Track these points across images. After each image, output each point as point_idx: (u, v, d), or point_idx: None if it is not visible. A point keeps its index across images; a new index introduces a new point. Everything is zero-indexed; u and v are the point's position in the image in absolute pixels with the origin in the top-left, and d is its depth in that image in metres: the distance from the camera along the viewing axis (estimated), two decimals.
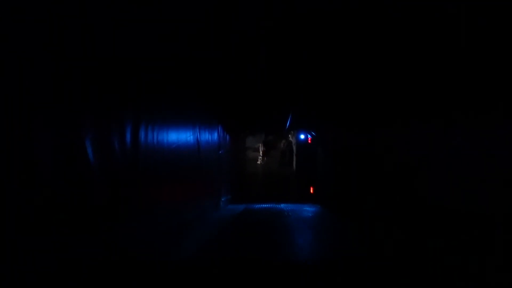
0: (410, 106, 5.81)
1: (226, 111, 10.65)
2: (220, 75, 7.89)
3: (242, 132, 17.62)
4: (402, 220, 5.84)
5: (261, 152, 27.61)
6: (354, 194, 8.42)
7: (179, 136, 5.62)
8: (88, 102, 2.76)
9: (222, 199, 10.49)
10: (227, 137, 12.19)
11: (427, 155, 5.17)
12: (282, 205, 12.15)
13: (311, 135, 14.40)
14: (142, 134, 3.85)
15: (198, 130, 6.89)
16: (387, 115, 6.89)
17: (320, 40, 5.64)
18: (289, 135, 25.08)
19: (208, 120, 8.24)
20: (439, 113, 4.90)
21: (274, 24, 4.90)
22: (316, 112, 11.43)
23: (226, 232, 6.05)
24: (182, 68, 5.80)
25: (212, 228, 6.46)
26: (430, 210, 5.07)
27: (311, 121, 13.26)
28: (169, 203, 5.18)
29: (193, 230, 6.10)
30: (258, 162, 27.47)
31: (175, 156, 5.31)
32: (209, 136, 8.37)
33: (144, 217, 3.98)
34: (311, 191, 15.68)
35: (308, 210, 9.91)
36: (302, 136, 16.54)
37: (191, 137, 6.34)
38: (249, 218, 8.14)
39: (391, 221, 6.24)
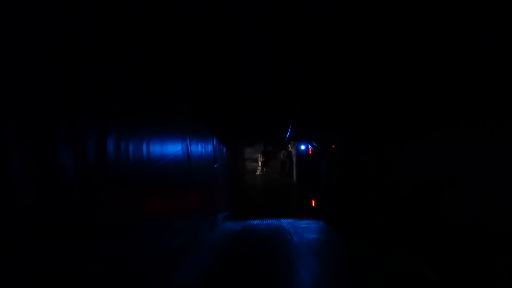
0: (433, 116, 5.04)
1: (221, 122, 9.87)
2: (214, 82, 7.15)
3: (240, 143, 16.82)
4: (424, 245, 5.02)
5: (260, 163, 26.75)
6: (364, 212, 7.59)
7: (165, 149, 4.82)
8: None
9: (219, 217, 9.64)
10: (224, 149, 11.40)
11: (457, 168, 4.37)
12: (283, 221, 11.29)
13: (312, 146, 13.62)
14: (110, 146, 3.05)
15: (188, 142, 6.10)
16: (404, 127, 6.13)
17: (328, 40, 4.92)
18: (289, 145, 24.31)
19: (201, 132, 7.45)
20: (471, 122, 4.12)
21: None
22: (319, 122, 10.69)
23: (224, 262, 5.19)
24: (169, 69, 5.05)
25: (208, 255, 5.61)
26: (460, 233, 4.25)
27: (313, 132, 12.51)
28: (153, 226, 4.35)
29: (185, 259, 5.26)
30: (257, 173, 26.58)
31: (159, 171, 4.49)
32: (202, 149, 7.57)
33: (116, 245, 3.16)
34: (313, 204, 14.81)
35: (312, 228, 9.05)
36: (303, 147, 15.76)
37: (181, 150, 5.54)
38: (248, 242, 7.29)
39: (411, 244, 5.41)
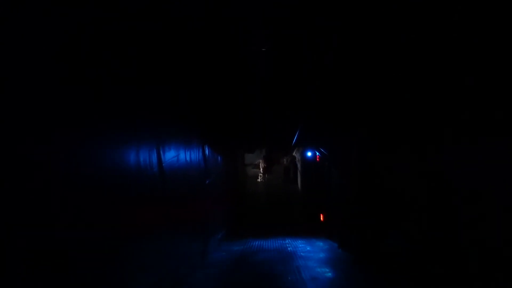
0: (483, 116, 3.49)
1: (213, 127, 8.30)
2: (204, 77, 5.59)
3: (240, 150, 15.22)
4: None
5: (261, 169, 25.12)
6: (395, 240, 5.98)
7: (123, 161, 3.25)
8: None
9: (212, 241, 8.07)
10: (219, 158, 9.81)
11: None
12: (288, 244, 9.67)
13: (321, 153, 12.03)
14: None
15: (162, 152, 4.51)
16: (446, 131, 4.54)
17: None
18: (293, 151, 22.71)
19: (183, 139, 5.87)
20: None
21: None
22: (330, 127, 9.12)
23: None
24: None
25: None
26: None
27: (322, 138, 10.96)
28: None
29: None
30: (259, 180, 24.95)
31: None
32: (188, 161, 6.00)
33: None
34: (322, 218, 13.20)
35: (324, 258, 7.43)
36: (310, 154, 14.16)
37: (148, 164, 3.96)
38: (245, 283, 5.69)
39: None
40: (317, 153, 13.34)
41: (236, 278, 5.91)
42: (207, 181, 7.65)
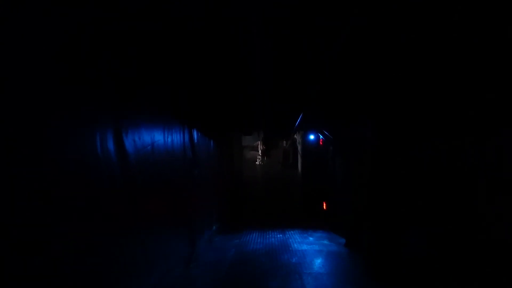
0: None
1: (205, 110, 7.13)
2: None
3: (236, 132, 14.07)
4: None
5: (260, 152, 24.02)
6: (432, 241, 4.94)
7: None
8: None
9: (203, 239, 7.06)
10: (211, 144, 8.68)
11: None
12: (289, 236, 8.68)
13: (325, 136, 10.91)
14: None
15: (131, 135, 3.38)
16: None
17: None
18: (293, 133, 21.53)
19: (165, 124, 4.73)
20: None
21: None
22: (340, 110, 7.97)
23: None
24: None
25: None
26: None
27: (328, 121, 9.83)
28: None
29: None
30: (257, 163, 23.89)
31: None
32: (170, 149, 4.88)
33: None
34: (324, 207, 12.22)
35: (330, 264, 6.40)
36: (312, 137, 13.01)
37: (108, 147, 2.85)
38: None
39: None
40: (321, 137, 12.20)
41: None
42: (196, 171, 6.55)
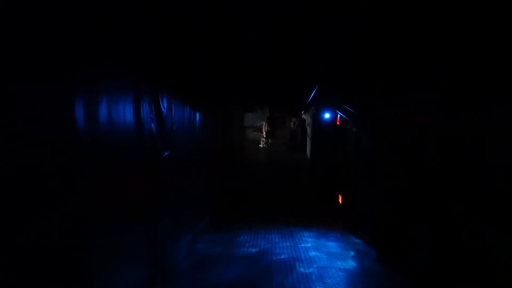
0: None
1: (177, 64, 4.86)
2: None
3: (235, 107, 11.79)
4: None
5: (264, 133, 21.80)
6: None
7: None
8: None
9: (180, 245, 4.99)
10: (196, 117, 6.45)
11: None
12: (299, 241, 6.59)
13: (346, 113, 8.69)
14: None
15: None
16: None
17: None
18: (302, 112, 19.25)
19: (106, 84, 2.55)
20: None
21: None
22: (372, 82, 5.74)
23: None
24: None
25: None
26: None
27: (350, 94, 7.69)
28: None
29: None
30: (261, 145, 21.66)
31: None
32: (106, 122, 2.72)
33: None
34: (340, 199, 10.10)
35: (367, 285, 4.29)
36: (328, 115, 10.74)
37: None
38: None
39: None
40: (339, 115, 9.97)
41: None
42: (166, 153, 4.40)
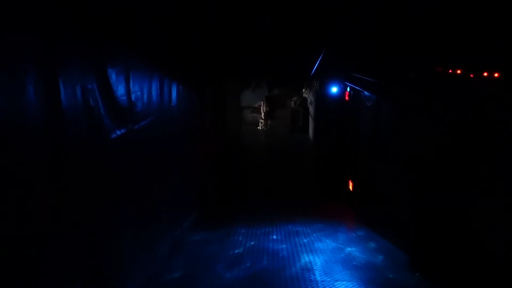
0: None
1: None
2: None
3: (229, 81, 10.34)
4: None
5: (263, 114, 20.35)
6: None
7: None
8: None
9: (153, 253, 3.74)
10: (173, 89, 5.05)
11: None
12: (305, 244, 5.31)
13: (359, 84, 7.32)
14: None
15: None
16: None
17: None
18: (303, 90, 17.77)
19: None
20: None
21: None
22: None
23: None
24: None
25: None
26: None
27: (364, 63, 6.41)
28: None
29: None
30: (259, 128, 20.25)
31: None
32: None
33: None
34: (350, 187, 8.82)
35: None
36: (335, 90, 9.31)
37: None
38: None
39: None
40: (348, 89, 8.57)
41: None
42: (118, 132, 3.06)
